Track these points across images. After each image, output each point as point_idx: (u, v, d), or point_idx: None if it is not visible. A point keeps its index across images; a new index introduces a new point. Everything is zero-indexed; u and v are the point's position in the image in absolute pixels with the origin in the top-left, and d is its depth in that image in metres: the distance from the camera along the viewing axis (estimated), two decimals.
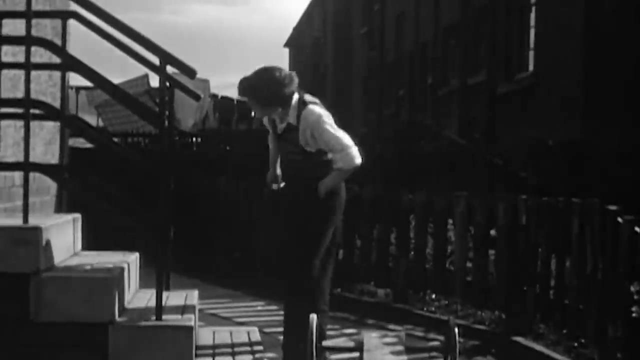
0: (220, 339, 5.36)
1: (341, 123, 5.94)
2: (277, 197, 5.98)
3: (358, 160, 5.69)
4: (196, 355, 4.70)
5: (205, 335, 5.41)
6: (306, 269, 5.66)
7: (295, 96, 5.71)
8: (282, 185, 6.07)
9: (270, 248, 5.29)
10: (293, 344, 5.54)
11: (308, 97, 5.76)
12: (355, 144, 5.74)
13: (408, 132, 19.74)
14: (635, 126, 11.92)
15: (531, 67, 15.83)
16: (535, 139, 12.69)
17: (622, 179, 11.08)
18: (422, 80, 24.14)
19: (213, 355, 4.93)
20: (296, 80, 5.72)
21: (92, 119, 21.07)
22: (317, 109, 5.71)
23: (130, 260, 5.26)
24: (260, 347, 5.21)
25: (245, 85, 5.71)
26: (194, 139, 19.99)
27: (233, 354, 5.01)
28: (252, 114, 5.47)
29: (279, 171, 6.06)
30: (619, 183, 10.84)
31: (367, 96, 30.23)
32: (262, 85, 5.64)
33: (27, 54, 4.71)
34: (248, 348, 5.17)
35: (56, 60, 5.39)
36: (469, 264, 8.58)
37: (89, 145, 10.58)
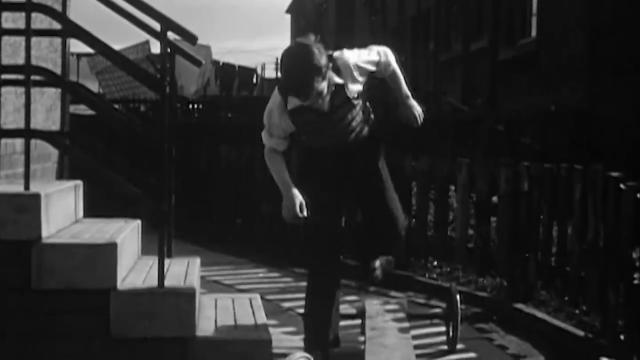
0: (222, 305, 5.36)
1: None
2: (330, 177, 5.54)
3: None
4: (198, 322, 4.70)
5: (207, 302, 5.41)
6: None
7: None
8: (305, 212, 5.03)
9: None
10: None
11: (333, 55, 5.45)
12: None
13: None
14: None
15: (534, 33, 15.74)
16: (538, 105, 12.65)
17: (626, 146, 11.05)
18: (424, 46, 24.04)
19: (215, 322, 4.94)
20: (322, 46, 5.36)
21: (93, 86, 21.02)
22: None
23: (132, 227, 5.26)
24: (262, 314, 5.21)
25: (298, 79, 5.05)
26: (195, 105, 19.95)
27: (235, 321, 5.02)
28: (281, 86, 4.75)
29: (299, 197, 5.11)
30: (623, 150, 10.82)
31: None
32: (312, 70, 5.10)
33: (28, 20, 4.68)
34: (250, 315, 5.18)
35: (57, 26, 5.35)
36: (470, 231, 8.58)
37: (90, 112, 10.59)
